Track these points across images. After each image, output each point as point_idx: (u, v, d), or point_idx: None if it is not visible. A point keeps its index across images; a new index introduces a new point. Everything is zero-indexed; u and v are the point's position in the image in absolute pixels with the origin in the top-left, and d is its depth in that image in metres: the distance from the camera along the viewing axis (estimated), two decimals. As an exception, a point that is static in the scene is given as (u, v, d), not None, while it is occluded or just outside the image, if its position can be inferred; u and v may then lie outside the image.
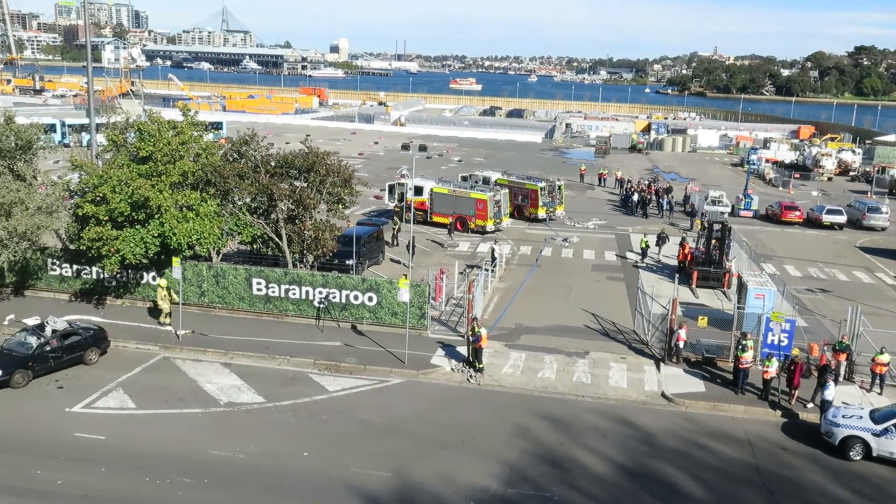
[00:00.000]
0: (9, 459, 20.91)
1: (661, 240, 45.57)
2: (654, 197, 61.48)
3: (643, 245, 44.87)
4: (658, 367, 28.61)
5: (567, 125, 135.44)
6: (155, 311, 32.19)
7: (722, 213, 53.52)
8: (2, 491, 19.43)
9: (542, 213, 54.14)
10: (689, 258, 40.76)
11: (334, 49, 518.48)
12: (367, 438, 22.86)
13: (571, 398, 26.03)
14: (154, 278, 33.18)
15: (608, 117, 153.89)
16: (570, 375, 27.67)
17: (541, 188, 54.36)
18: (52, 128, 75.11)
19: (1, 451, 21.31)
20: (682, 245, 42.28)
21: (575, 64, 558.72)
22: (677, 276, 35.09)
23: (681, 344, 28.64)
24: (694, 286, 38.72)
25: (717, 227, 39.73)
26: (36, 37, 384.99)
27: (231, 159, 34.48)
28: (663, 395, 26.43)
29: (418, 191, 50.55)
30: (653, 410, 25.41)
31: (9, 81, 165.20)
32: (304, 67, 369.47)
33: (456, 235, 48.73)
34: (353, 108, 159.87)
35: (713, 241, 39.38)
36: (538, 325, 32.91)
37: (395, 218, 48.24)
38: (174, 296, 30.98)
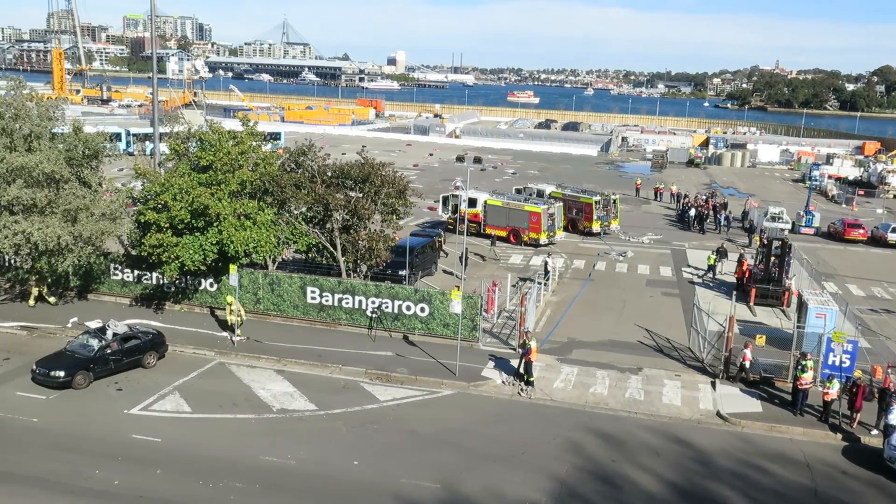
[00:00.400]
0: (69, 459, 21.48)
1: (720, 255, 44.71)
2: (711, 212, 60.43)
3: (711, 261, 43.91)
4: (713, 386, 28.03)
5: (623, 139, 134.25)
6: (223, 323, 32.86)
7: (782, 229, 52.33)
8: (61, 490, 19.97)
9: (596, 227, 53.67)
10: (747, 275, 39.91)
11: (391, 61, 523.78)
12: (417, 449, 22.88)
13: (623, 414, 25.67)
14: (212, 285, 33.85)
15: (665, 131, 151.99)
16: (622, 391, 27.30)
17: (595, 202, 53.91)
18: (117, 136, 77.36)
19: (62, 451, 21.91)
20: (740, 262, 41.45)
21: (632, 77, 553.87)
22: (735, 293, 34.40)
23: (747, 364, 27.99)
24: (752, 304, 37.88)
25: (776, 243, 38.85)
26: (104, 48, 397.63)
27: (288, 169, 35.06)
28: (718, 414, 25.87)
29: (472, 203, 50.61)
30: (707, 429, 24.89)
31: (78, 91, 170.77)
32: (361, 79, 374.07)
33: (510, 248, 48.63)
34: (408, 119, 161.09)
35: (772, 259, 38.50)
36: (591, 339, 32.57)
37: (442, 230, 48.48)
38: (242, 313, 31.41)
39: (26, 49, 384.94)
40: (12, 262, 35.35)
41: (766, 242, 39.98)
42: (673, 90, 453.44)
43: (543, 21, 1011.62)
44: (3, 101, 33.99)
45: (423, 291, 32.05)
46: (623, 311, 37.00)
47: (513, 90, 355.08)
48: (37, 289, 34.07)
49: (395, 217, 35.46)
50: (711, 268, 43.72)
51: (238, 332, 30.80)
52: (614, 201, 56.28)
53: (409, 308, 31.66)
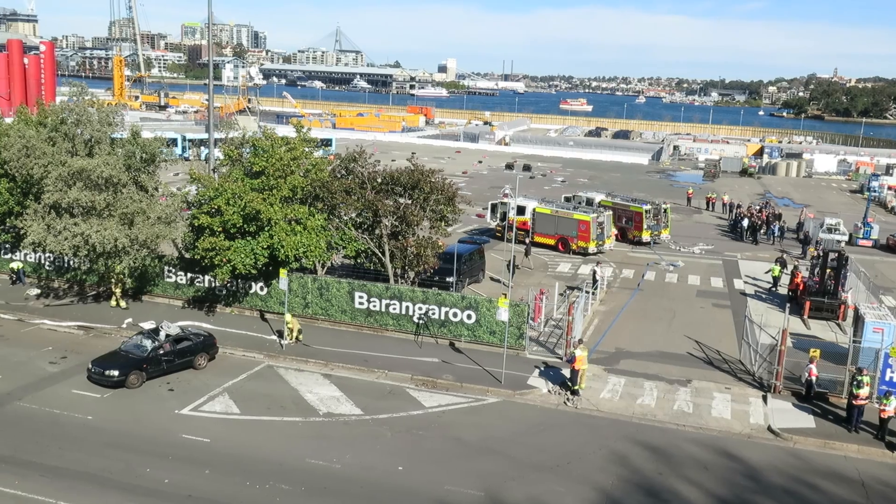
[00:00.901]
0: (121, 456, 21.99)
1: (781, 265, 43.60)
2: (764, 223, 59.23)
3: (775, 273, 42.84)
4: (765, 400, 27.45)
5: (675, 147, 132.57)
6: (272, 327, 33.31)
7: (838, 241, 51.01)
8: (114, 486, 20.46)
9: (646, 237, 53.07)
10: (801, 287, 39.01)
11: (442, 69, 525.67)
12: (462, 456, 22.87)
13: (671, 427, 25.29)
14: (262, 288, 34.36)
15: (718, 140, 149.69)
16: (670, 403, 26.90)
17: (646, 211, 53.32)
18: (173, 142, 79.07)
19: (115, 448, 22.46)
20: (794, 274, 40.54)
21: (685, 85, 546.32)
22: (788, 305, 33.60)
23: (813, 379, 27.30)
24: (806, 317, 37.02)
25: (832, 255, 37.91)
26: (163, 56, 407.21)
27: (339, 175, 35.45)
28: (770, 428, 25.31)
29: (521, 210, 50.47)
30: (758, 444, 24.37)
31: (136, 98, 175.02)
32: (412, 87, 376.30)
33: (557, 256, 48.37)
34: (458, 126, 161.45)
35: (828, 271, 37.58)
36: (639, 350, 32.19)
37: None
38: (296, 327, 31.54)
39: (88, 56, 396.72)
40: (71, 263, 36.40)
41: (821, 254, 39.05)
42: (727, 98, 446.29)
43: (595, 28, 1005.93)
44: (66, 106, 35.10)
45: (470, 298, 32.07)
46: (672, 321, 36.48)
47: (564, 98, 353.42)
48: (119, 289, 34.81)
49: (443, 224, 35.57)
50: (776, 280, 42.64)
51: (289, 340, 31.16)
52: (665, 210, 55.59)
53: (455, 315, 31.70)
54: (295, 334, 31.14)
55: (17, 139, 33.04)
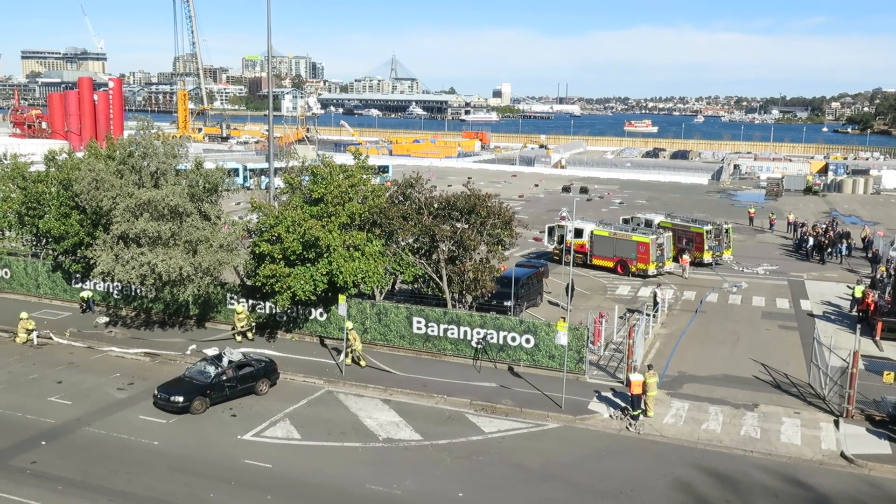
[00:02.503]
0: (186, 481, 22.36)
1: (874, 286, 41.20)
2: (831, 241, 57.47)
3: (860, 294, 40.32)
4: (837, 425, 26.48)
5: (735, 166, 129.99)
6: (332, 352, 33.66)
7: (911, 259, 49.18)
8: (179, 510, 20.79)
9: (707, 258, 52.03)
10: (872, 308, 37.68)
11: (497, 94, 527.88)
12: (523, 483, 22.59)
13: (738, 453, 24.56)
14: (321, 314, 34.73)
15: (780, 157, 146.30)
16: (737, 429, 26.16)
17: (706, 231, 52.33)
18: (235, 171, 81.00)
19: (180, 473, 22.85)
20: (864, 294, 39.18)
21: (744, 103, 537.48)
22: (859, 326, 32.46)
23: None
24: (878, 338, 35.70)
25: (905, 274, 36.56)
26: (224, 89, 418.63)
27: (396, 201, 35.75)
28: (843, 455, 24.38)
29: (578, 233, 50.07)
30: (830, 471, 23.49)
31: (200, 130, 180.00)
32: (466, 112, 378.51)
33: (616, 279, 47.79)
34: (513, 151, 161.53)
35: (901, 291, 36.23)
36: (702, 373, 31.45)
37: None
38: (358, 344, 31.85)
39: (154, 91, 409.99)
40: (138, 291, 37.41)
41: (893, 273, 37.66)
42: (788, 115, 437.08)
43: (650, 48, 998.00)
44: (133, 140, 36.29)
45: (528, 322, 31.85)
46: (737, 344, 35.59)
47: (622, 119, 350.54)
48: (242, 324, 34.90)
49: (500, 248, 35.50)
50: (858, 301, 40.67)
51: (347, 360, 31.45)
52: (727, 231, 54.47)
53: (514, 339, 31.51)
54: (356, 351, 31.38)
55: (88, 172, 34.21)
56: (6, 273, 42.13)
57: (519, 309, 37.65)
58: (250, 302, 36.05)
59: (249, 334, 34.75)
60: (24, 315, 34.83)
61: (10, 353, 33.17)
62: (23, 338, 34.17)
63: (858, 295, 40.60)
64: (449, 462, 23.90)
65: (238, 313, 34.67)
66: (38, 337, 34.35)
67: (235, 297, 36.42)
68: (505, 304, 36.02)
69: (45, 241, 41.06)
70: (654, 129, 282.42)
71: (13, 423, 26.15)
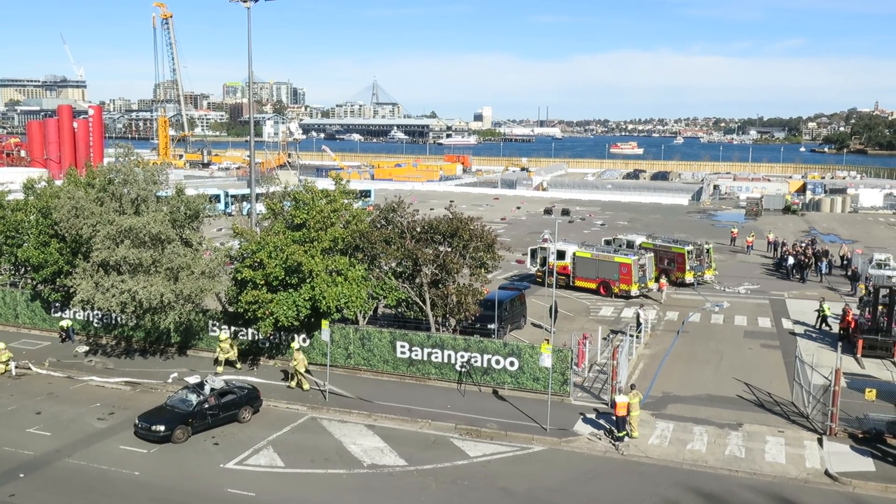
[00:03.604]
0: (168, 511, 22.05)
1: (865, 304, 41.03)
2: (812, 260, 58.00)
3: (827, 311, 41.34)
4: (820, 443, 26.57)
5: (715, 187, 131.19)
6: (315, 378, 33.46)
7: (889, 276, 49.75)
8: (161, 541, 20.47)
9: (689, 278, 52.32)
10: (852, 325, 38.00)
11: (478, 117, 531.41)
12: (508, 507, 22.45)
13: (724, 473, 24.56)
14: (304, 340, 34.52)
15: (759, 178, 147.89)
16: (722, 448, 26.18)
17: (688, 251, 52.67)
18: (216, 198, 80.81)
19: (162, 503, 22.50)
20: (844, 312, 39.53)
21: (723, 125, 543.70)
22: (840, 344, 32.74)
23: None
24: (859, 356, 35.97)
25: (884, 292, 36.94)
26: (205, 115, 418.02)
27: (379, 226, 35.74)
28: (827, 472, 24.45)
29: (561, 255, 50.21)
30: (815, 489, 23.53)
31: (180, 156, 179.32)
32: (448, 136, 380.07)
33: (599, 300, 47.91)
34: (495, 174, 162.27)
35: (880, 308, 36.59)
36: (686, 393, 31.51)
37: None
38: (302, 365, 31.90)
39: (134, 118, 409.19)
40: (119, 319, 37.06)
41: (872, 291, 38.05)
42: (766, 136, 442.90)
43: (630, 71, 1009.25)
44: (113, 167, 36.12)
45: (512, 345, 31.82)
46: (720, 363, 35.72)
47: (603, 141, 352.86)
48: (234, 351, 34.61)
49: (483, 271, 35.51)
50: (824, 318, 41.31)
51: (292, 383, 31.85)
52: (708, 251, 54.86)
53: (498, 362, 31.45)
54: (299, 374, 31.55)
55: (67, 200, 33.99)
56: (-16, 303, 41.59)
57: (503, 332, 37.61)
58: (233, 329, 35.78)
59: (238, 364, 34.41)
60: (0, 345, 34.35)
61: (-12, 384, 32.67)
62: (0, 368, 33.68)
63: (827, 313, 41.20)
64: (434, 487, 23.72)
65: (221, 342, 34.39)
66: (16, 367, 33.87)
67: (217, 323, 36.15)
68: (489, 326, 35.98)
69: (23, 269, 40.68)
70: (640, 151, 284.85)
71: (-9, 455, 25.70)
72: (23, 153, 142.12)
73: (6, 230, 39.26)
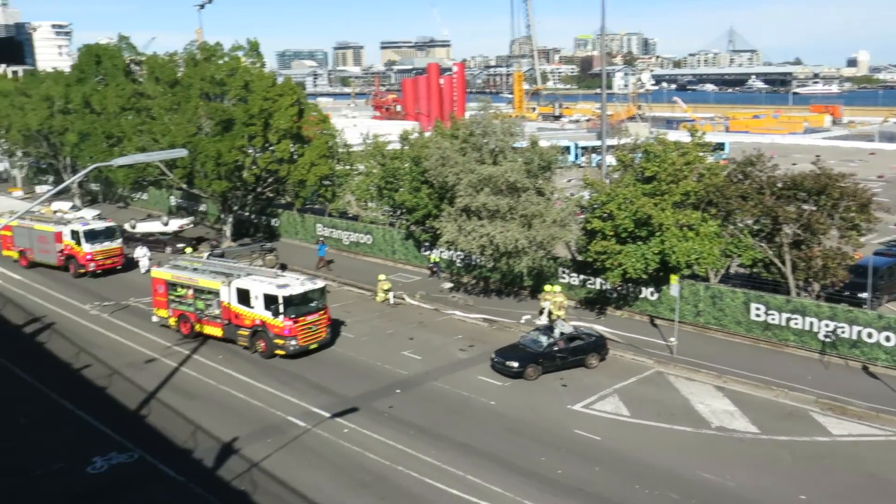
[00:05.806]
0: (519, 442, 23.61)
1: None
2: None
3: None
4: None
5: None
6: (663, 332, 33.25)
7: None
8: (512, 469, 22.04)
9: None
10: None
11: (851, 63, 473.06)
12: (876, 495, 20.41)
13: None
14: (652, 294, 34.23)
15: None
16: None
17: None
18: (567, 149, 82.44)
19: (514, 434, 24.18)
20: None
21: None
22: None
23: None
24: None
25: None
26: (557, 69, 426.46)
27: (735, 180, 33.89)
28: None
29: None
30: None
31: (534, 109, 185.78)
32: (815, 83, 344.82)
33: None
34: (872, 126, 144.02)
35: None
36: None
37: None
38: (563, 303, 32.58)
39: (492, 74, 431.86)
40: (478, 260, 39.96)
41: None
42: None
43: None
44: (474, 120, 38.61)
45: (889, 318, 28.38)
46: None
47: None
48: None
49: (855, 233, 32.01)
50: None
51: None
52: None
53: (870, 335, 28.30)
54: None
55: (435, 150, 37.22)
56: (369, 239, 47.55)
57: (877, 302, 33.68)
58: (581, 277, 36.67)
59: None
60: (381, 277, 39.11)
61: (372, 309, 37.51)
62: (381, 297, 38.44)
63: None
64: (789, 460, 22.32)
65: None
66: (393, 297, 38.40)
67: (567, 271, 37.28)
68: (860, 295, 32.43)
69: (399, 211, 45.55)
70: None
71: (375, 370, 29.71)
72: (398, 108, 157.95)
73: (386, 176, 44.23)
